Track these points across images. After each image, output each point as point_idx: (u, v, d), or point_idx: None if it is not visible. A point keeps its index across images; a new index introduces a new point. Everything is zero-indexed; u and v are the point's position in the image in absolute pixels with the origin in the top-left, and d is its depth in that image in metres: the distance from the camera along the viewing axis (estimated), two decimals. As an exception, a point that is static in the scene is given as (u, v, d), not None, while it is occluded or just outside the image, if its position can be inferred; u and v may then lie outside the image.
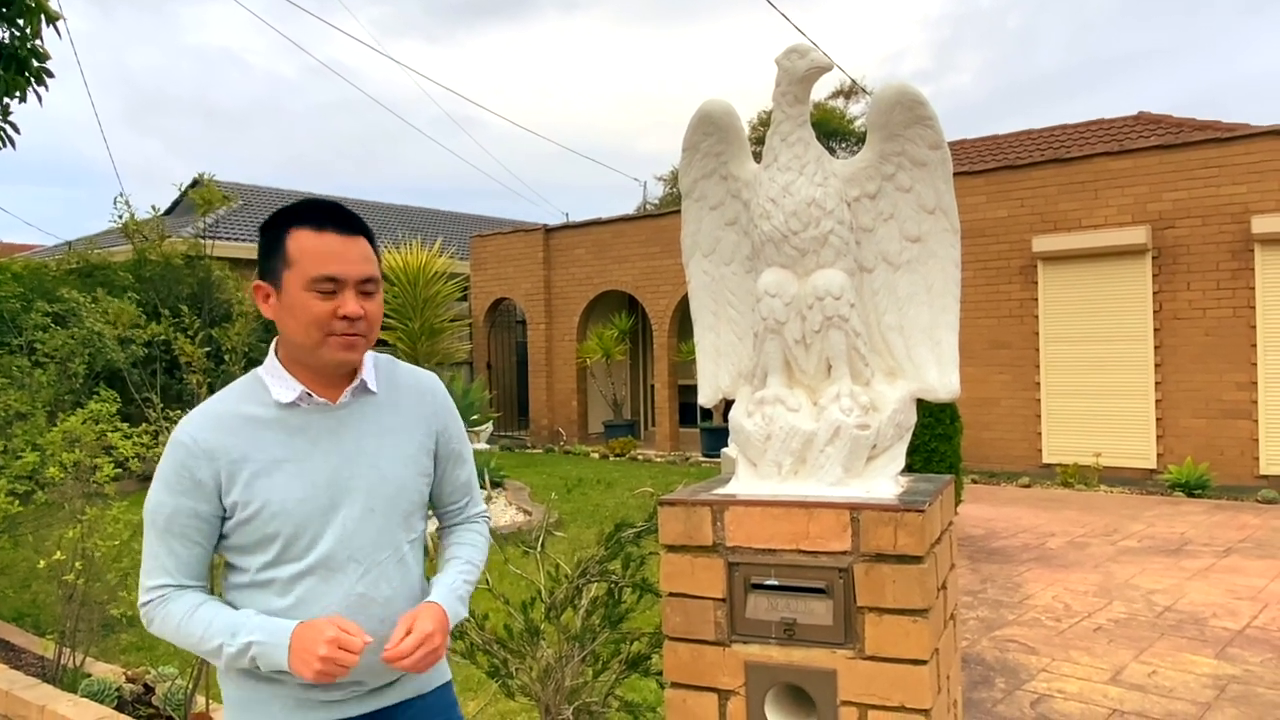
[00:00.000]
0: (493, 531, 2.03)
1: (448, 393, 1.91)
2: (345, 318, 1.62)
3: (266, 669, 1.59)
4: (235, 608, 1.65)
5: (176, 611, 1.61)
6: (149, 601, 1.64)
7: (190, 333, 3.93)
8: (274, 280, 1.65)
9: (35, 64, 5.19)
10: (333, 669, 1.53)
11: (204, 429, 1.63)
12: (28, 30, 5.11)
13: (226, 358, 3.96)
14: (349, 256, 1.63)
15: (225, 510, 1.63)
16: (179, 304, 4.05)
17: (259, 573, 1.65)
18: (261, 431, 1.64)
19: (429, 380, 1.87)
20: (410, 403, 1.80)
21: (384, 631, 1.62)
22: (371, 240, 1.72)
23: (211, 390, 3.94)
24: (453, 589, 1.78)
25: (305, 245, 1.62)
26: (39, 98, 5.38)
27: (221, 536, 1.67)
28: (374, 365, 1.77)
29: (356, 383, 1.72)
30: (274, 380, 1.67)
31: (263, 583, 1.65)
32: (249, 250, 15.26)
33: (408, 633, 1.62)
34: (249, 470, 1.62)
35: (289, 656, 1.55)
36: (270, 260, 1.66)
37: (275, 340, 1.73)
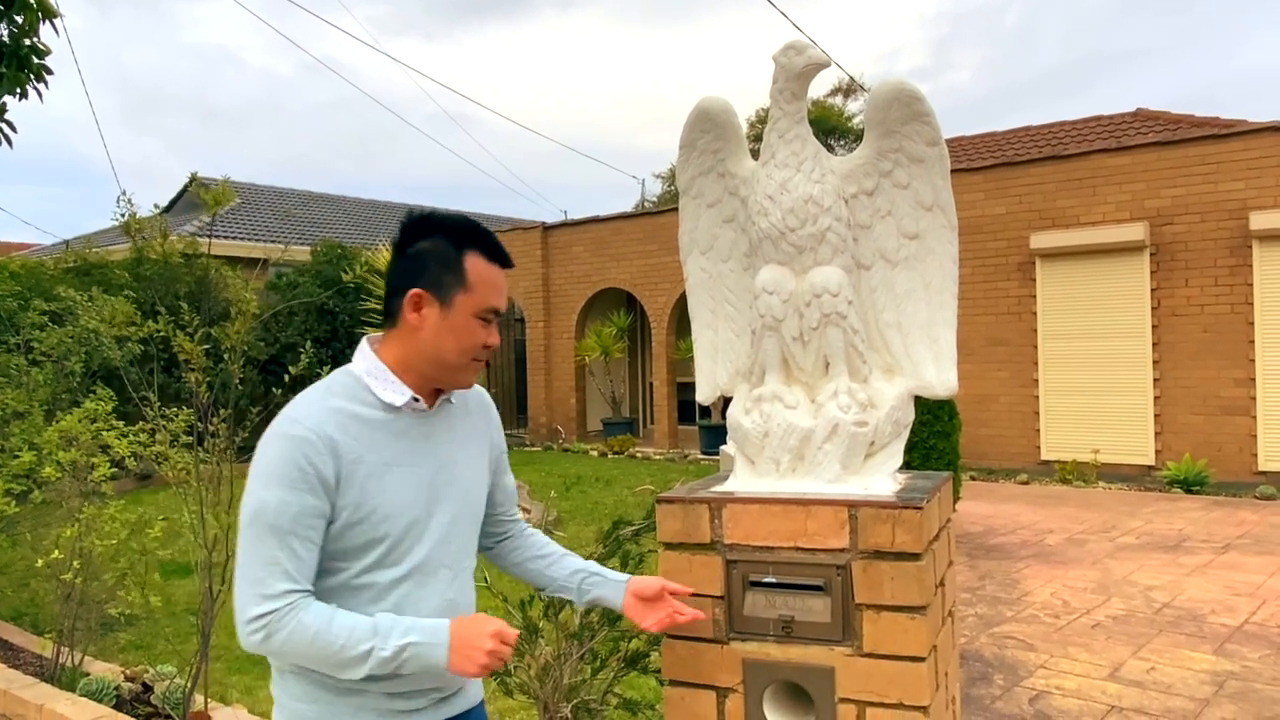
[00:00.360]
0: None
1: None
2: (487, 346, 1.69)
3: (415, 670, 1.56)
4: None
5: (312, 621, 1.51)
6: (274, 611, 1.50)
7: (189, 330, 3.91)
8: (442, 295, 1.65)
9: (35, 61, 5.18)
10: (496, 663, 1.56)
11: (325, 424, 1.57)
12: (26, 27, 5.10)
13: (226, 356, 3.94)
14: (505, 291, 1.73)
15: (333, 516, 1.57)
16: (178, 302, 4.03)
17: (357, 577, 1.60)
18: (373, 432, 1.62)
19: (483, 392, 1.91)
20: (476, 414, 1.84)
21: None
22: None
23: (211, 389, 3.94)
24: None
25: (482, 273, 1.67)
26: (39, 95, 5.37)
27: None
28: None
29: (447, 394, 1.75)
30: (379, 383, 1.65)
31: (358, 587, 1.60)
32: (247, 249, 15.29)
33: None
34: (364, 471, 1.59)
35: (449, 655, 1.54)
36: (442, 274, 1.65)
37: (371, 342, 1.71)
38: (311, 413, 1.59)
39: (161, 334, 3.95)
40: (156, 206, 4.79)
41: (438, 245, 1.66)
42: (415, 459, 1.66)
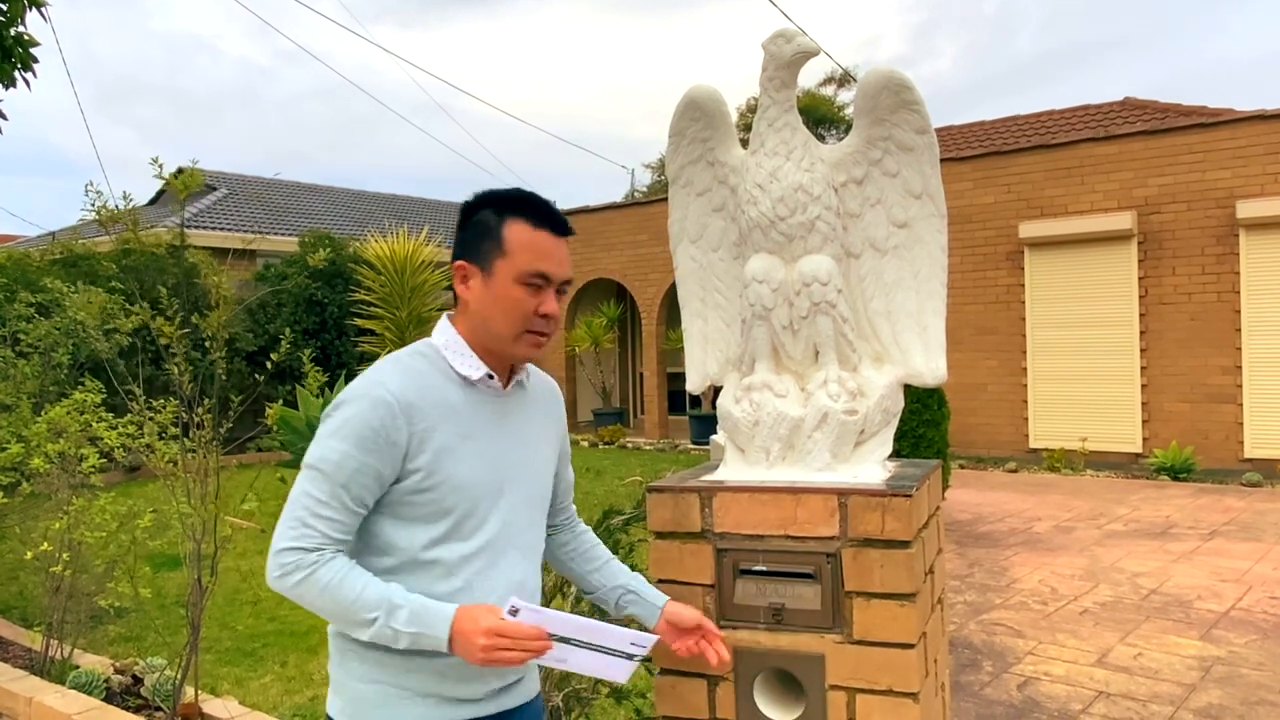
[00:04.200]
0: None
1: None
2: (544, 315, 1.65)
3: (423, 648, 1.54)
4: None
5: (328, 574, 1.51)
6: (303, 552, 1.52)
7: (169, 315, 3.88)
8: (481, 264, 1.64)
9: (21, 50, 5.13)
10: (498, 657, 1.50)
11: (407, 390, 1.57)
12: (12, 16, 5.04)
13: (208, 344, 3.92)
14: (559, 256, 1.66)
15: (401, 476, 1.57)
16: (165, 292, 4.00)
17: (423, 551, 1.59)
18: (449, 403, 1.62)
19: (553, 382, 1.91)
20: (547, 402, 1.84)
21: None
22: None
23: (195, 380, 3.92)
24: None
25: (522, 238, 1.63)
26: (28, 84, 5.32)
27: (380, 505, 1.59)
28: None
29: (521, 374, 1.74)
30: (457, 356, 1.65)
31: (426, 563, 1.59)
32: (234, 240, 15.19)
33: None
34: (438, 440, 1.58)
35: (451, 647, 1.52)
36: (480, 243, 1.64)
37: (450, 316, 1.71)
38: (395, 376, 1.59)
39: (142, 322, 3.92)
40: (127, 195, 4.71)
41: (483, 216, 1.66)
42: (489, 435, 1.66)
